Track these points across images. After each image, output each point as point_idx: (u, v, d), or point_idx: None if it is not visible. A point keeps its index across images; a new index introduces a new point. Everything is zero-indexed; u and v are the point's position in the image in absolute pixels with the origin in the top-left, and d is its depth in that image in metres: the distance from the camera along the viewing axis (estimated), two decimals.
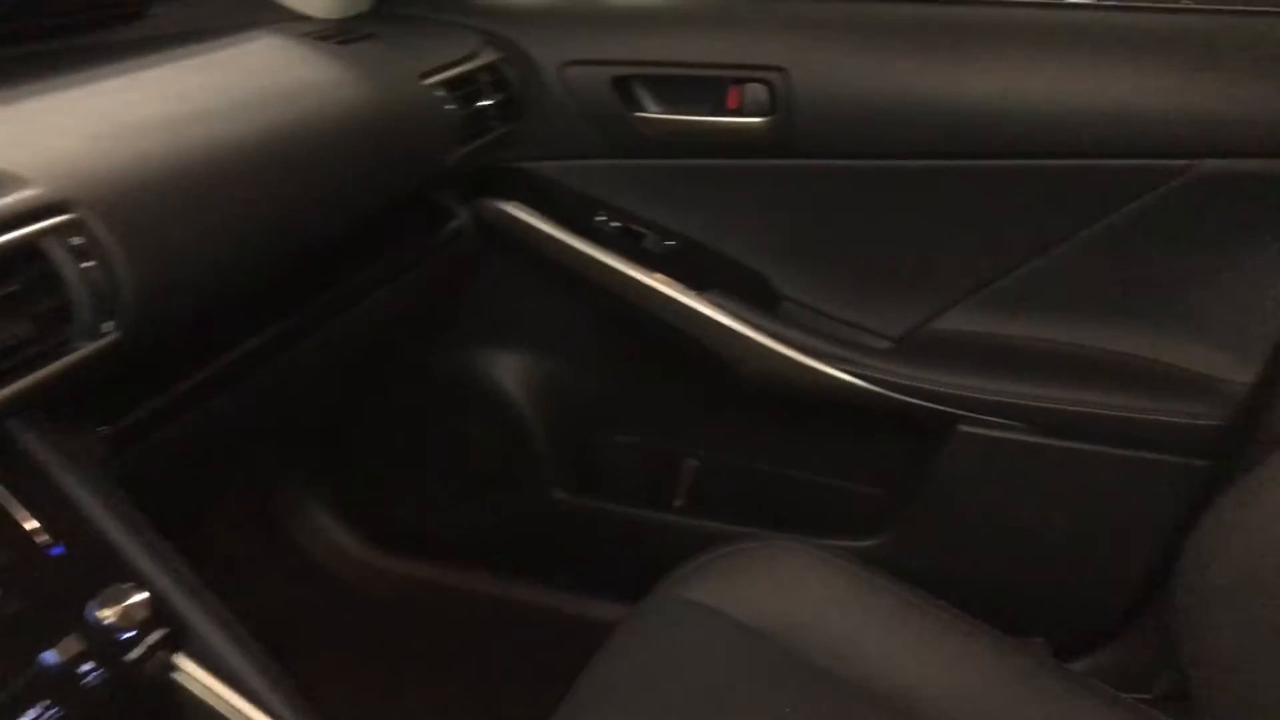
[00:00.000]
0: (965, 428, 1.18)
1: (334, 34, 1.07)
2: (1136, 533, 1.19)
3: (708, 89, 1.21)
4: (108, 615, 0.61)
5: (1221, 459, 1.13)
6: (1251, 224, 1.11)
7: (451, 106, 1.07)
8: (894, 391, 1.19)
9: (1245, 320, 1.14)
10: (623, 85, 1.22)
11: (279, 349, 0.95)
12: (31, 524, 0.62)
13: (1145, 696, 1.21)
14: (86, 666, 0.59)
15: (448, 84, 1.08)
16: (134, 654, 0.61)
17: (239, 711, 0.65)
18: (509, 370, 1.39)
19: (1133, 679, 1.24)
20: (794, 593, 0.95)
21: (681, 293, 1.24)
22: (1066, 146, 1.13)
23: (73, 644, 0.59)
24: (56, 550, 0.62)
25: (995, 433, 1.17)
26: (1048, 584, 1.25)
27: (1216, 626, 0.77)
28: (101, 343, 0.65)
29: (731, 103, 1.20)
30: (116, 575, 0.64)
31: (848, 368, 1.20)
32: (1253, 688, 0.72)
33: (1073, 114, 1.12)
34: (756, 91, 1.19)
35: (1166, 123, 1.10)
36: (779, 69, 1.17)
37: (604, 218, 1.27)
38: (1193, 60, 1.09)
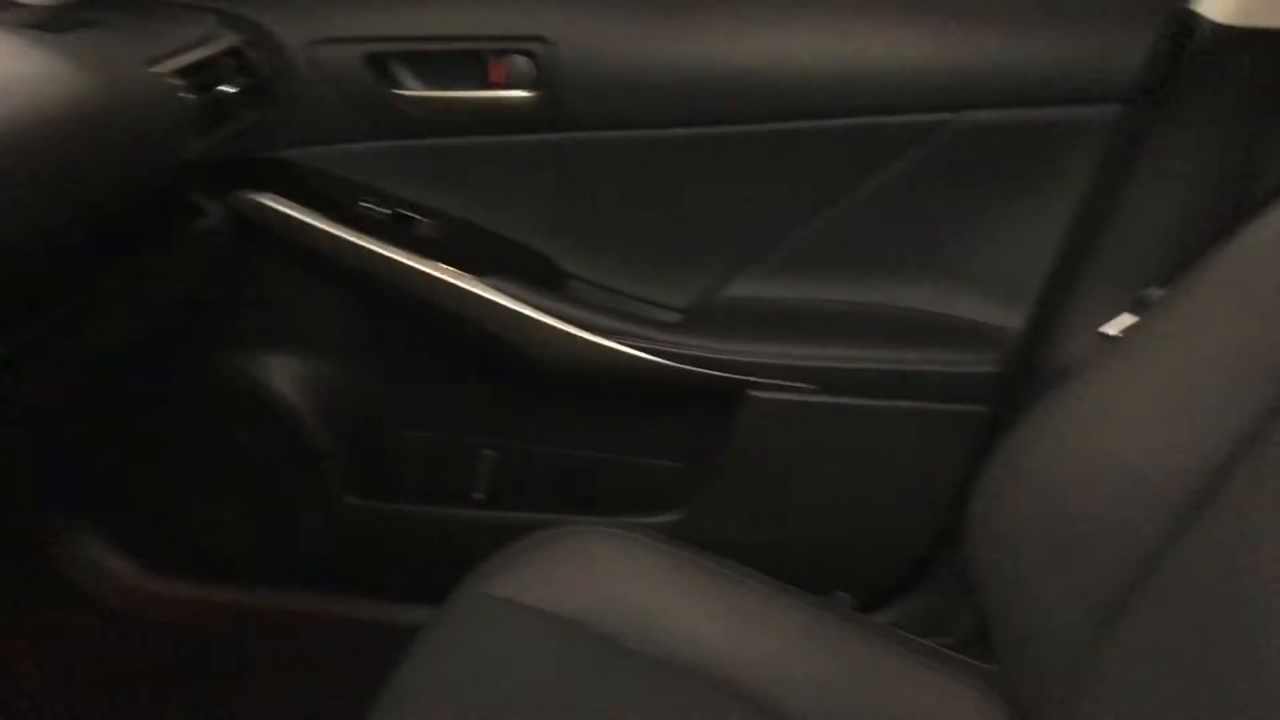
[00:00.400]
0: (755, 393, 1.19)
1: (47, 22, 0.97)
2: (927, 482, 1.22)
3: (468, 63, 1.17)
4: None
5: (1001, 404, 1.17)
6: (1012, 173, 1.15)
7: (188, 95, 0.99)
8: (683, 363, 1.18)
9: (1013, 267, 1.18)
10: (377, 63, 1.16)
11: (10, 369, 0.86)
12: None
13: (947, 640, 1.25)
14: None
15: (182, 71, 1.00)
16: None
17: None
18: (284, 374, 1.31)
19: (934, 625, 1.29)
20: (597, 577, 0.93)
21: (461, 278, 1.19)
22: (831, 107, 1.14)
23: None
24: None
25: (784, 395, 1.18)
26: (847, 539, 1.27)
27: (1006, 564, 0.79)
28: None
29: (495, 76, 1.16)
30: None
31: (636, 343, 1.19)
32: (1042, 616, 0.75)
33: (834, 75, 1.13)
34: (521, 64, 1.15)
35: (924, 79, 1.12)
36: (541, 39, 1.14)
37: (371, 204, 1.21)
38: (944, 15, 1.12)
